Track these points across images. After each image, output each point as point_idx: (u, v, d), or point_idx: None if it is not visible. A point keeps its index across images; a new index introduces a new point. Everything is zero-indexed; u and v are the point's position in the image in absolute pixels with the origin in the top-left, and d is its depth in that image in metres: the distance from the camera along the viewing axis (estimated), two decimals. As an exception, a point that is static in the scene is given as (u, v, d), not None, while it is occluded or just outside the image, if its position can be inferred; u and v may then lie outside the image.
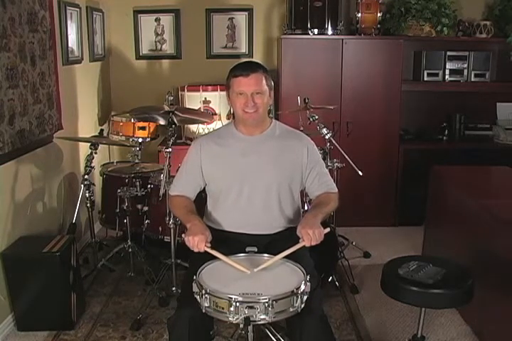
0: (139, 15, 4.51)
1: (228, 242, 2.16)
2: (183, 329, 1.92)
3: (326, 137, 3.27)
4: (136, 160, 3.70)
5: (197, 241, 1.98)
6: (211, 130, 3.99)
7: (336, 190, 2.35)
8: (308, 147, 2.30)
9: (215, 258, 1.99)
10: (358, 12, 4.14)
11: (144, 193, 3.33)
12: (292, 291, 1.75)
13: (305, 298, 1.79)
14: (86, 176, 3.26)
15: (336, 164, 3.41)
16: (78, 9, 3.80)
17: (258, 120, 2.23)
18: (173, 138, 2.94)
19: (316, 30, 4.08)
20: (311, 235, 1.96)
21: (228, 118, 4.27)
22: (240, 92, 2.16)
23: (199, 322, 1.93)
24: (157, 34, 4.57)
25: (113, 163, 3.99)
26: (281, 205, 2.28)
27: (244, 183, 2.24)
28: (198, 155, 2.29)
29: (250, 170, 2.23)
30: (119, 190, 3.29)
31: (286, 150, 2.27)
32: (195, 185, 2.33)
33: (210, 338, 2.27)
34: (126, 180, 3.45)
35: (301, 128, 3.48)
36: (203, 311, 1.79)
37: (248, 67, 2.18)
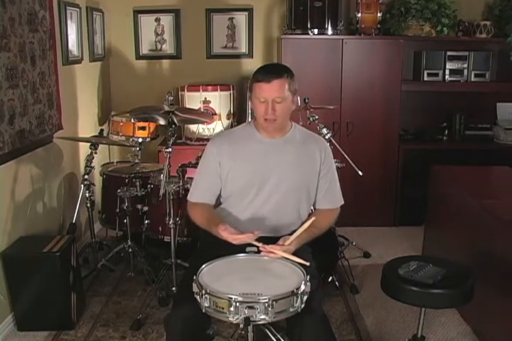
0: (139, 15, 4.52)
1: (228, 243, 2.14)
2: (178, 328, 1.92)
3: (326, 137, 3.27)
4: (136, 160, 3.70)
5: (234, 237, 2.00)
6: (211, 130, 4.04)
7: (341, 203, 2.36)
8: (325, 151, 2.29)
9: (213, 258, 1.99)
10: (358, 12, 4.15)
11: (143, 193, 3.33)
12: (292, 291, 1.75)
13: (305, 298, 1.79)
14: (86, 176, 3.26)
15: (336, 164, 3.37)
16: (78, 9, 3.81)
17: (277, 128, 2.21)
18: (173, 138, 2.94)
19: (316, 30, 4.08)
20: (277, 247, 1.99)
21: (228, 118, 4.27)
22: (261, 100, 2.12)
23: (194, 322, 1.92)
24: (157, 34, 4.57)
25: (113, 163, 3.99)
26: (298, 209, 2.27)
27: (263, 185, 2.20)
28: (215, 156, 2.24)
29: (270, 172, 2.20)
30: (119, 190, 3.29)
31: (306, 155, 2.25)
32: (214, 189, 2.28)
33: (209, 338, 2.27)
34: (126, 180, 3.45)
35: (301, 128, 3.49)
36: (203, 311, 1.78)
37: (271, 72, 2.13)
